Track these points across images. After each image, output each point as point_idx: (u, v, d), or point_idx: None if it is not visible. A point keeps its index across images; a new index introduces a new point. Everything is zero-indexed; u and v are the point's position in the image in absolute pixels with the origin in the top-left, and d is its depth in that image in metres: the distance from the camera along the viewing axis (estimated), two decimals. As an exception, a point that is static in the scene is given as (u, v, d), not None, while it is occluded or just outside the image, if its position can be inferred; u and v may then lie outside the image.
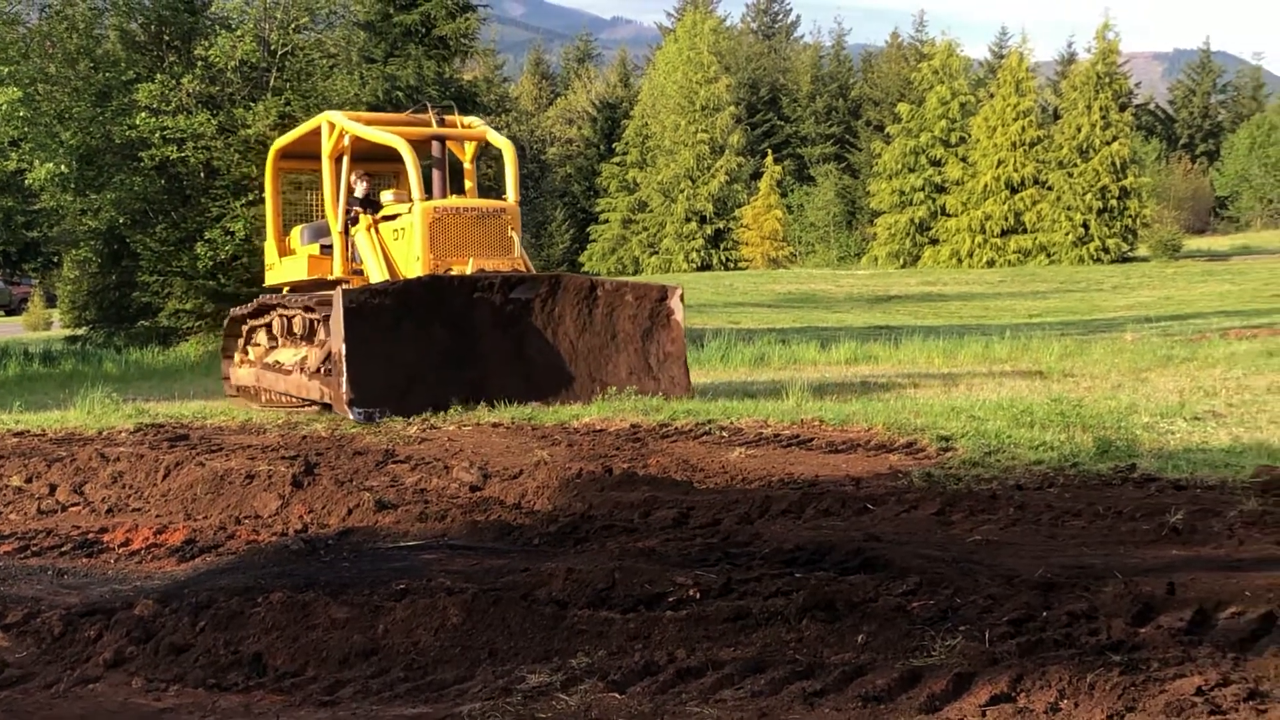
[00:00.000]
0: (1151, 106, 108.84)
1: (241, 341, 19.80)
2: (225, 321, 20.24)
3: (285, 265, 19.65)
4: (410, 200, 16.79)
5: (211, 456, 11.98)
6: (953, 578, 6.60)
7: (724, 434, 12.42)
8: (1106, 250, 75.88)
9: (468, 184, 18.66)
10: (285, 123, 31.96)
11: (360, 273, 17.45)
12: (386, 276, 16.37)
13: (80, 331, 38.15)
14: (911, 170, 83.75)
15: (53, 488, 10.78)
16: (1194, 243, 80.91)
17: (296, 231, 19.69)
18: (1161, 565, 6.97)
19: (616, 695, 5.15)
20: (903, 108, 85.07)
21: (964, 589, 6.39)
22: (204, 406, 17.10)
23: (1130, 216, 76.93)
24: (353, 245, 17.70)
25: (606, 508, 9.23)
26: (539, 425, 13.71)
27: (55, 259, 48.53)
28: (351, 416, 14.55)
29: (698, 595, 6.42)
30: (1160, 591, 6.27)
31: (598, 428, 13.31)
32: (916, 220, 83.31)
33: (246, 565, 7.47)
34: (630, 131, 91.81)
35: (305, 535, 8.37)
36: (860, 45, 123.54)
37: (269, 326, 18.80)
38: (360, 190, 18.10)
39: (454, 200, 16.97)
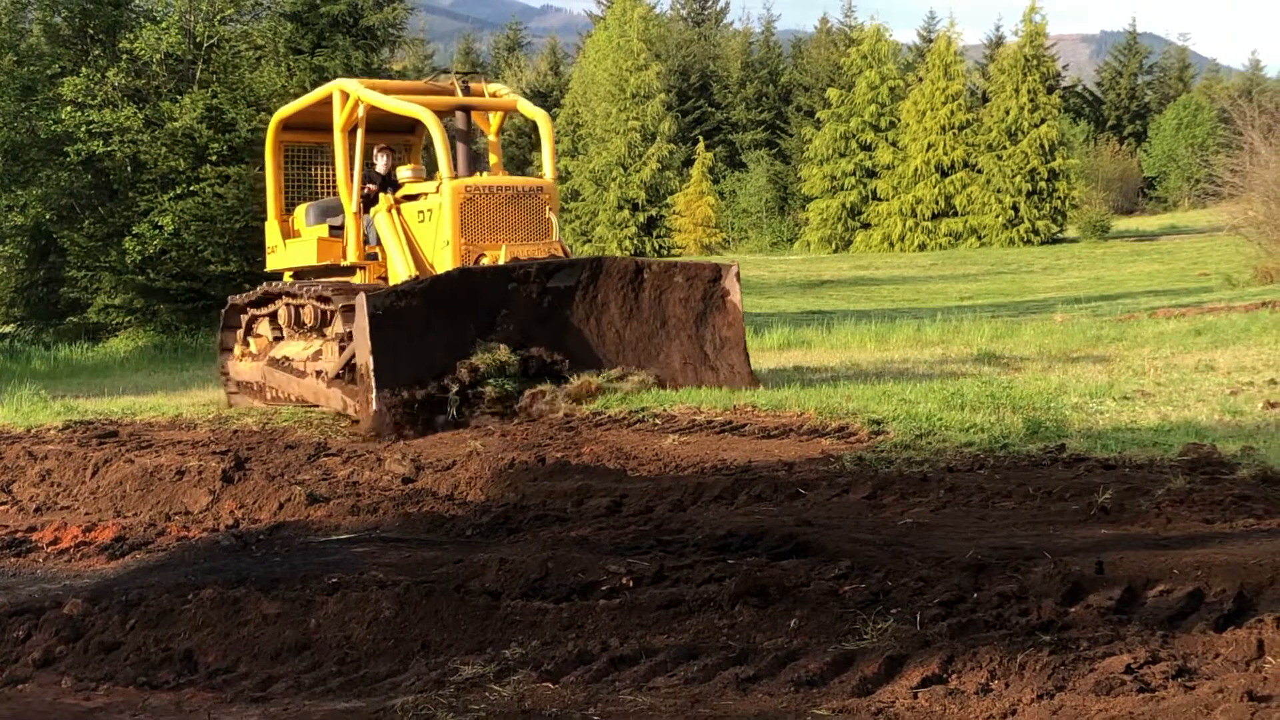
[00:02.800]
0: (1079, 89, 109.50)
1: (241, 333, 17.77)
2: (223, 311, 18.07)
3: (290, 249, 17.58)
4: (433, 178, 15.50)
5: (141, 453, 11.90)
6: (884, 561, 6.63)
7: (657, 421, 12.41)
8: (1036, 232, 76.37)
9: (493, 159, 16.67)
10: (212, 115, 31.79)
11: (375, 257, 15.96)
12: (409, 263, 14.99)
13: (8, 329, 37.74)
14: (842, 155, 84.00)
15: (-20, 487, 10.68)
16: (1122, 223, 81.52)
17: (301, 211, 17.64)
18: (1091, 545, 7.04)
19: (550, 685, 5.15)
20: (832, 93, 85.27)
21: (895, 572, 6.43)
22: (134, 402, 16.95)
23: (1059, 198, 77.46)
24: (369, 227, 16.09)
25: (539, 497, 9.23)
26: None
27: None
28: (385, 438, 12.85)
29: (631, 584, 6.43)
30: (1089, 571, 6.32)
31: (533, 416, 13.28)
32: (848, 205, 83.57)
33: (177, 562, 7.43)
34: (561, 120, 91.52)
35: (236, 531, 8.34)
36: (790, 31, 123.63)
37: (273, 316, 16.89)
38: (381, 166, 16.71)
39: (487, 178, 15.35)
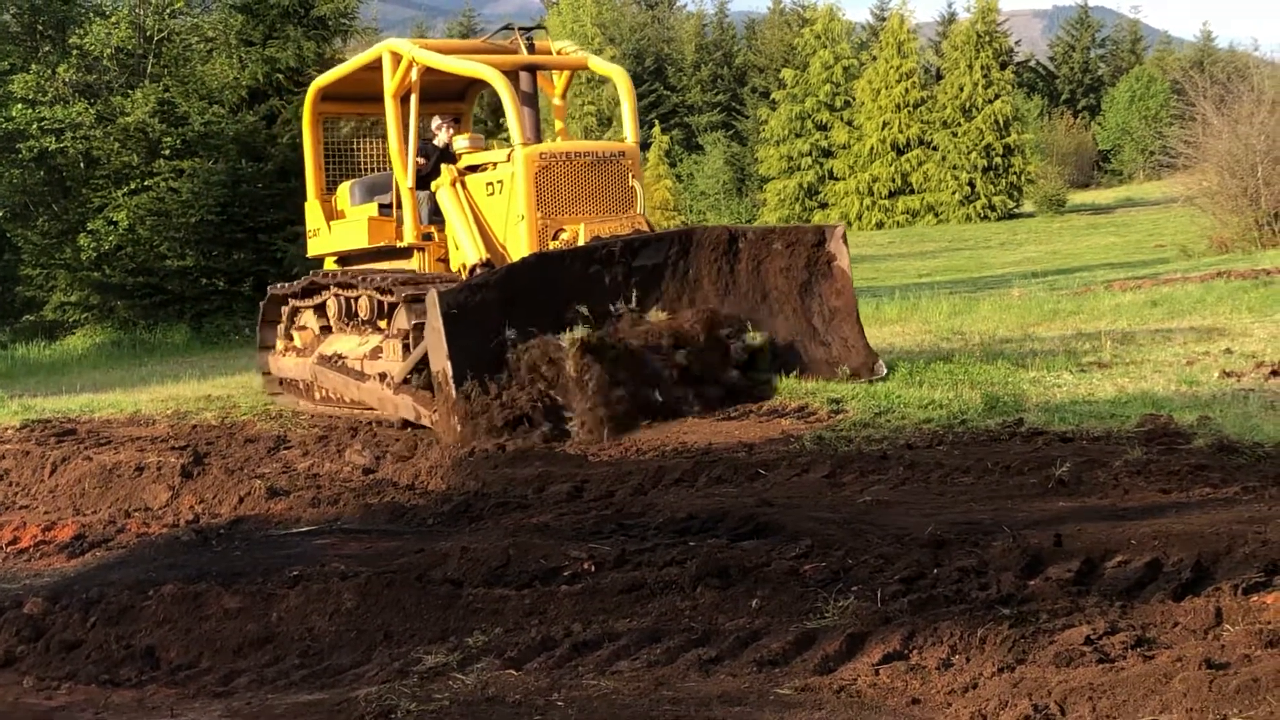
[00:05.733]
0: (1032, 63, 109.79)
1: (283, 327, 16.30)
2: (263, 303, 16.65)
3: (336, 231, 15.84)
4: (495, 145, 14.27)
5: (100, 450, 11.84)
6: (844, 539, 6.66)
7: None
8: (993, 208, 76.59)
9: (558, 124, 15.31)
10: (164, 110, 31.62)
11: (431, 237, 14.34)
12: (478, 243, 13.37)
13: (-37, 329, 37.56)
14: (798, 135, 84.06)
15: (-63, 489, 10.61)
16: (1078, 197, 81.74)
17: (344, 190, 15.98)
18: (1049, 518, 7.08)
19: (514, 672, 5.16)
20: (787, 73, 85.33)
21: (856, 550, 6.46)
22: (92, 400, 16.87)
23: (1015, 173, 77.69)
24: (429, 203, 14.40)
25: (500, 485, 9.24)
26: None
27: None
28: (463, 450, 11.24)
29: (592, 568, 6.45)
30: (1048, 544, 6.36)
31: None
32: (805, 185, 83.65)
33: (137, 559, 7.40)
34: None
35: (196, 526, 8.30)
36: (743, 12, 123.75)
37: (320, 308, 15.41)
38: (442, 138, 15.04)
39: (564, 144, 13.89)
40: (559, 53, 14.71)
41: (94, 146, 32.06)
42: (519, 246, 13.11)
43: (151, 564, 7.10)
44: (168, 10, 33.69)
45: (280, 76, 32.80)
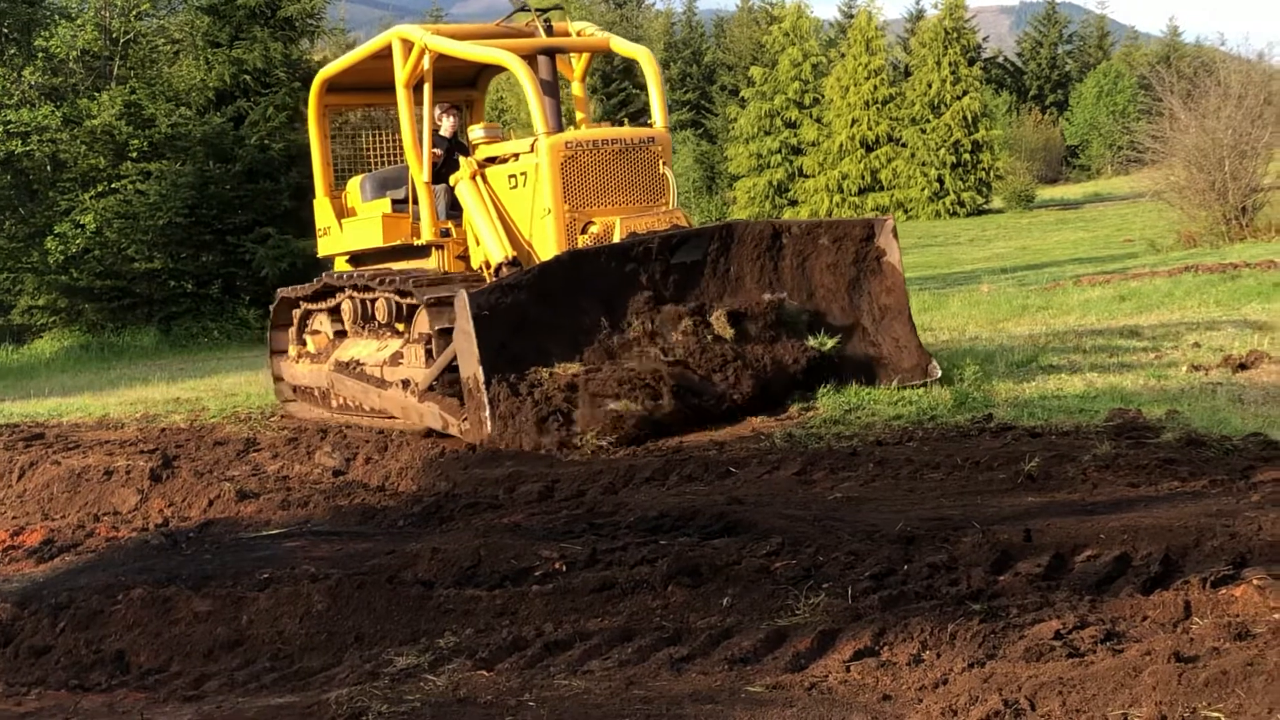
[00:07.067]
0: (1000, 60, 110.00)
1: (294, 331, 15.51)
2: (272, 307, 15.82)
3: (349, 230, 15.03)
4: (504, 135, 13.75)
5: (68, 454, 11.80)
6: (815, 536, 6.67)
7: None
8: (962, 204, 76.70)
9: (579, 115, 14.53)
10: (131, 112, 31.50)
11: (449, 233, 13.60)
12: (502, 240, 12.69)
13: (-69, 334, 37.35)
14: (767, 133, 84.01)
15: (-95, 495, 10.56)
16: (1047, 192, 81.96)
17: (354, 185, 15.19)
18: (1018, 513, 7.10)
19: (485, 673, 5.16)
20: (756, 71, 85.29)
21: (826, 547, 6.47)
22: (60, 404, 16.81)
23: (984, 169, 77.79)
24: (445, 197, 13.69)
25: (471, 485, 9.23)
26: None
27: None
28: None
29: (564, 568, 6.44)
30: (1018, 539, 6.38)
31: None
32: (775, 183, 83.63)
33: (106, 563, 7.38)
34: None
35: (166, 529, 8.28)
36: (712, 10, 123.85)
37: (334, 311, 14.65)
38: (447, 128, 14.37)
39: (589, 131, 13.10)
40: (579, 34, 14.03)
41: (61, 149, 31.93)
42: (546, 242, 12.49)
43: (121, 568, 7.07)
44: (134, 12, 33.58)
45: (247, 78, 32.71)
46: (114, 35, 33.34)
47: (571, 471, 9.36)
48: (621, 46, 13.87)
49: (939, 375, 12.05)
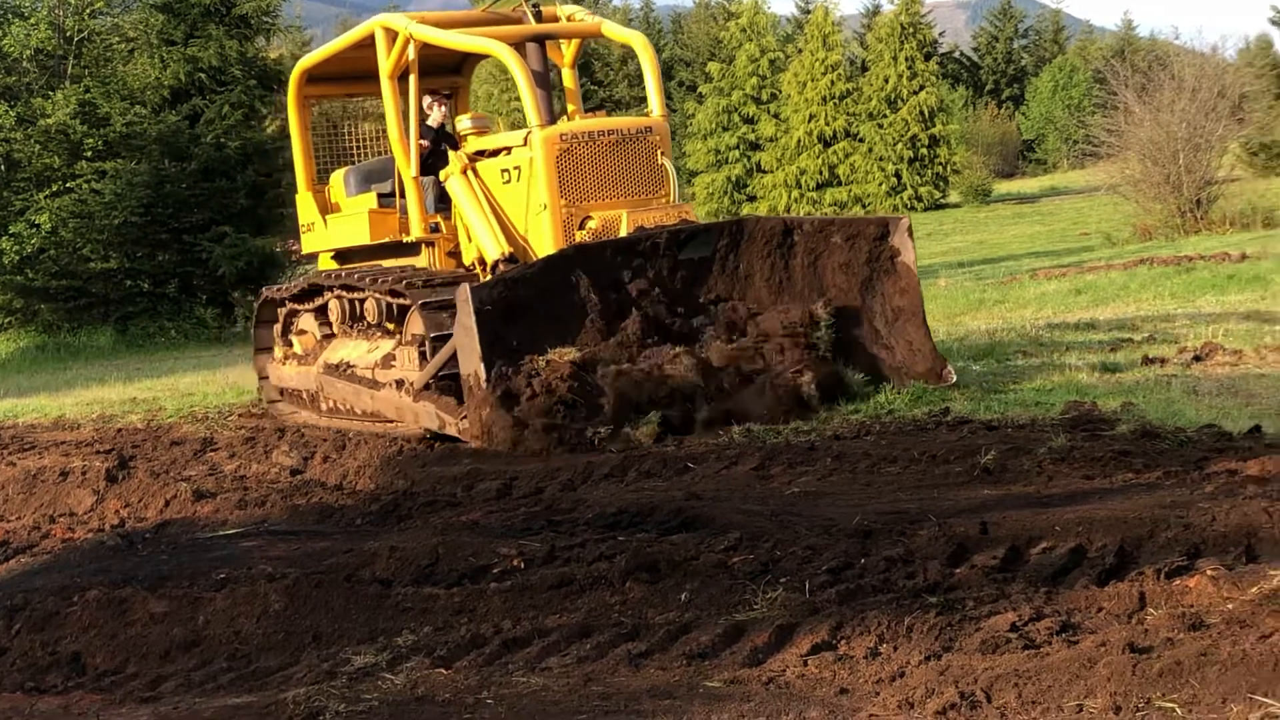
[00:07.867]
0: (956, 55, 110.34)
1: (279, 329, 14.98)
2: (256, 305, 15.41)
3: (333, 226, 14.45)
4: (493, 127, 13.35)
5: (24, 455, 11.74)
6: (772, 531, 6.69)
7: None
8: (920, 199, 76.89)
9: (570, 106, 14.00)
10: (85, 111, 31.30)
11: (437, 229, 13.08)
12: (497, 236, 12.20)
13: (-115, 335, 37.04)
14: (725, 129, 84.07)
15: None
16: (1004, 186, 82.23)
17: (337, 179, 14.65)
18: (974, 506, 7.13)
19: (443, 671, 5.15)
20: (713, 67, 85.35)
21: (784, 541, 6.49)
22: (15, 404, 16.71)
23: (941, 164, 78.04)
24: (433, 189, 13.20)
25: (429, 483, 9.22)
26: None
27: None
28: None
29: (522, 565, 6.44)
30: (974, 531, 6.41)
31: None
32: (733, 178, 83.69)
33: (62, 564, 7.34)
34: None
35: (122, 530, 8.24)
36: (669, 6, 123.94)
37: (321, 310, 14.14)
38: (435, 118, 13.96)
39: (584, 122, 12.52)
40: (569, 19, 13.49)
41: (14, 149, 31.69)
42: (542, 238, 12.01)
43: (76, 569, 7.04)
44: (87, 10, 33.35)
45: (203, 76, 32.50)
46: (68, 34, 33.10)
47: (529, 469, 9.36)
48: (614, 32, 13.57)
49: (954, 380, 11.72)
